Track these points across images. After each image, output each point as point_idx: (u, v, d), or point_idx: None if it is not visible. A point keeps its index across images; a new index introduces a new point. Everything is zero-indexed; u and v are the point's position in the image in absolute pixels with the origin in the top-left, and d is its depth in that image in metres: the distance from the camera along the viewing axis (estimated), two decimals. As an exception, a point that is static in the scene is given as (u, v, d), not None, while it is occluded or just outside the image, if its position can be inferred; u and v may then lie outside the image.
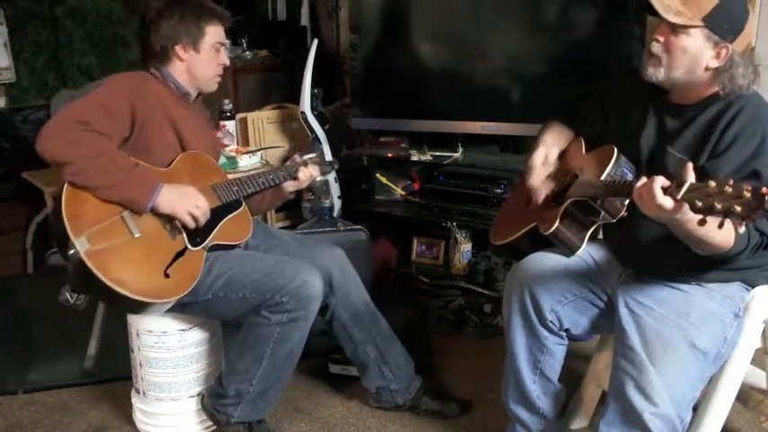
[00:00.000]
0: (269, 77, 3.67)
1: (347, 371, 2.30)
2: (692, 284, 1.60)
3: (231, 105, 3.07)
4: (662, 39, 1.53)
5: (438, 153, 3.14)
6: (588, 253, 1.79)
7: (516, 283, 1.79)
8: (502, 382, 1.89)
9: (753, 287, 1.64)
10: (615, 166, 1.58)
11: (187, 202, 1.80)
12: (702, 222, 1.19)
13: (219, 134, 2.91)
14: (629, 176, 1.58)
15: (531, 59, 2.96)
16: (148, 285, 1.71)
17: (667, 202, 1.26)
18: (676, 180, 1.25)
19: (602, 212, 1.57)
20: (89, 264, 1.63)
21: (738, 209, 1.12)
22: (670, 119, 1.62)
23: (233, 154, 2.79)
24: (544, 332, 1.77)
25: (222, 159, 2.66)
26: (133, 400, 2.11)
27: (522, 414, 1.86)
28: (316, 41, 3.11)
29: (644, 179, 1.32)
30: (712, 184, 1.17)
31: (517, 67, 2.99)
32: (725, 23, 1.48)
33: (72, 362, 2.44)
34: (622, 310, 1.61)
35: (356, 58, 3.22)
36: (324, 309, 2.04)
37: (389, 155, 3.18)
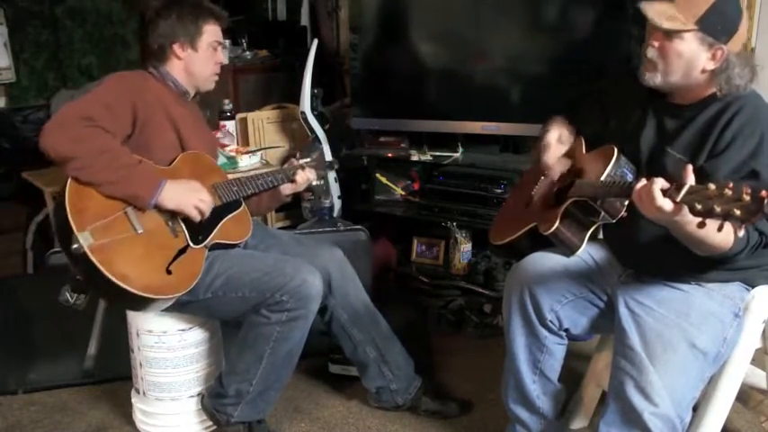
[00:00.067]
0: (269, 77, 3.67)
1: (347, 371, 2.30)
2: (691, 284, 1.61)
3: (231, 105, 3.07)
4: (657, 44, 1.54)
5: (438, 153, 3.14)
6: (588, 253, 1.79)
7: (516, 283, 1.79)
8: (502, 382, 1.89)
9: (753, 287, 1.64)
10: (615, 167, 1.58)
11: (192, 196, 1.80)
12: (702, 225, 1.19)
13: (219, 134, 2.92)
14: (630, 177, 1.59)
15: (531, 59, 2.96)
16: (151, 281, 1.71)
17: (667, 204, 1.26)
18: (676, 182, 1.25)
19: (602, 213, 1.57)
20: (93, 258, 1.63)
21: (738, 212, 1.12)
22: (669, 119, 1.63)
23: (233, 154, 2.79)
24: (544, 332, 1.77)
25: (222, 159, 2.66)
26: (133, 400, 2.11)
27: (522, 414, 1.86)
28: (316, 41, 3.11)
29: (643, 181, 1.32)
30: (712, 186, 1.17)
31: (517, 67, 2.99)
32: (718, 25, 1.48)
33: (72, 362, 2.44)
34: (622, 310, 1.61)
35: (356, 58, 3.22)
36: (323, 309, 2.04)
37: (389, 155, 3.18)
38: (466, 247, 2.99)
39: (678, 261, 1.54)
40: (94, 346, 2.43)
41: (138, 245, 1.73)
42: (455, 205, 3.00)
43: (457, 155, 3.13)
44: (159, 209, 1.78)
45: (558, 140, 1.78)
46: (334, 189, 3.08)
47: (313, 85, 3.03)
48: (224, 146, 2.84)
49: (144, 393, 2.05)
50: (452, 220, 2.98)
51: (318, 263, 1.99)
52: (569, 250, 1.68)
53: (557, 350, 1.80)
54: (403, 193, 3.24)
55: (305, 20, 4.03)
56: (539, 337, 1.77)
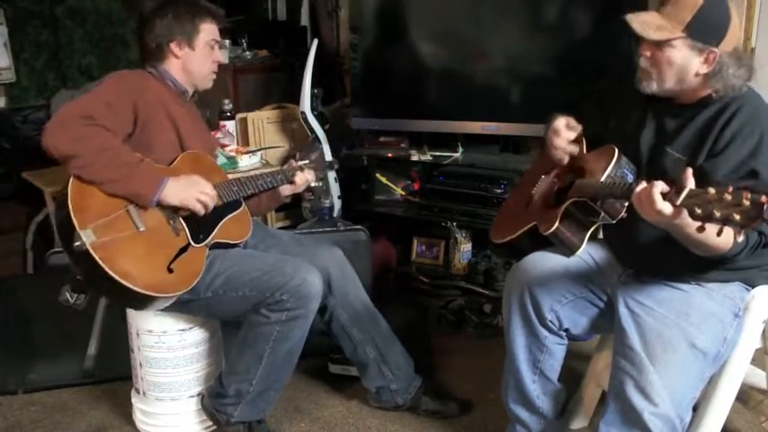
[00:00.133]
0: (269, 77, 3.67)
1: (347, 371, 2.30)
2: (691, 284, 1.61)
3: (231, 105, 3.07)
4: (648, 54, 1.55)
5: (438, 153, 3.14)
6: (588, 253, 1.79)
7: (516, 283, 1.79)
8: (502, 382, 1.89)
9: (753, 287, 1.64)
10: (616, 167, 1.58)
11: (195, 190, 1.81)
12: (701, 229, 1.19)
13: (219, 134, 2.92)
14: (630, 177, 1.59)
15: (531, 59, 2.96)
16: (153, 279, 1.71)
17: (666, 207, 1.26)
18: (676, 186, 1.25)
19: (602, 213, 1.57)
20: (95, 255, 1.63)
21: (737, 217, 1.12)
22: (669, 119, 1.63)
23: (233, 154, 2.79)
24: (544, 332, 1.77)
25: (222, 159, 2.66)
26: (133, 400, 2.11)
27: (522, 414, 1.86)
28: (316, 41, 3.11)
29: (643, 184, 1.32)
30: (711, 190, 1.17)
31: (517, 67, 2.99)
32: (707, 30, 1.49)
33: (72, 362, 2.44)
34: (622, 310, 1.61)
35: (356, 58, 3.22)
36: (322, 309, 2.04)
37: (389, 155, 3.18)
38: (466, 247, 2.99)
39: (678, 261, 1.54)
40: (94, 346, 2.43)
41: (140, 243, 1.73)
42: (455, 205, 3.00)
43: (457, 155, 3.13)
44: (161, 207, 1.78)
45: (566, 126, 1.77)
46: (334, 189, 3.08)
47: (313, 85, 3.03)
48: (224, 146, 2.84)
49: (144, 393, 2.05)
50: (452, 220, 2.98)
51: (318, 262, 1.99)
52: (569, 250, 1.68)
53: (557, 350, 1.80)
54: (403, 193, 3.24)
55: (305, 20, 4.03)
56: (539, 337, 1.77)
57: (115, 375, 2.36)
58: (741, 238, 1.20)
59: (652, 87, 1.58)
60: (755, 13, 2.51)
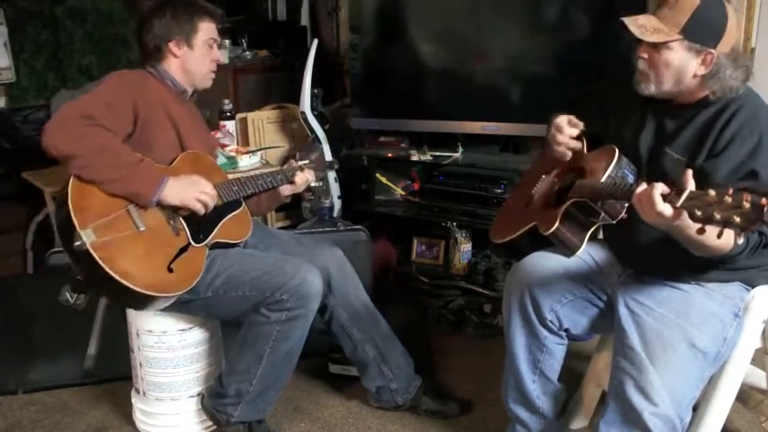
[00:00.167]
0: (269, 77, 3.67)
1: (347, 371, 2.30)
2: (691, 284, 1.61)
3: (231, 105, 3.07)
4: (646, 56, 1.56)
5: (438, 153, 3.14)
6: (588, 253, 1.79)
7: (516, 283, 1.79)
8: (502, 382, 1.89)
9: (753, 287, 1.64)
10: (616, 168, 1.58)
11: (194, 190, 1.81)
12: (701, 231, 1.20)
13: (219, 134, 2.92)
14: (630, 178, 1.59)
15: (531, 59, 2.96)
16: (153, 279, 1.71)
17: (667, 209, 1.26)
18: (676, 187, 1.25)
19: (602, 214, 1.57)
20: (95, 255, 1.64)
21: (737, 219, 1.12)
22: (668, 120, 1.63)
23: (233, 154, 2.79)
24: (544, 332, 1.77)
25: (222, 159, 2.66)
26: (133, 400, 2.11)
27: (522, 414, 1.86)
28: (316, 41, 3.11)
29: (644, 185, 1.32)
30: (712, 193, 1.17)
31: (517, 67, 2.99)
32: (704, 31, 1.49)
33: (72, 362, 2.44)
34: (622, 310, 1.61)
35: (356, 58, 3.22)
36: (323, 308, 2.04)
37: (389, 155, 3.18)
38: (466, 247, 2.99)
39: (678, 261, 1.54)
40: (94, 346, 2.43)
41: (140, 243, 1.73)
42: (455, 205, 3.00)
43: (457, 155, 3.13)
44: (161, 206, 1.78)
45: (569, 123, 1.77)
46: (334, 189, 3.08)
47: (313, 85, 3.03)
48: (224, 146, 2.84)
49: (144, 393, 2.05)
50: (452, 220, 2.98)
51: (318, 262, 1.99)
52: (569, 250, 1.68)
53: (557, 350, 1.80)
54: (403, 193, 3.24)
55: (305, 20, 4.03)
56: (539, 337, 1.77)
57: (115, 375, 2.36)
58: (741, 240, 1.20)
59: (650, 89, 1.58)
60: (755, 13, 2.51)
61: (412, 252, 3.19)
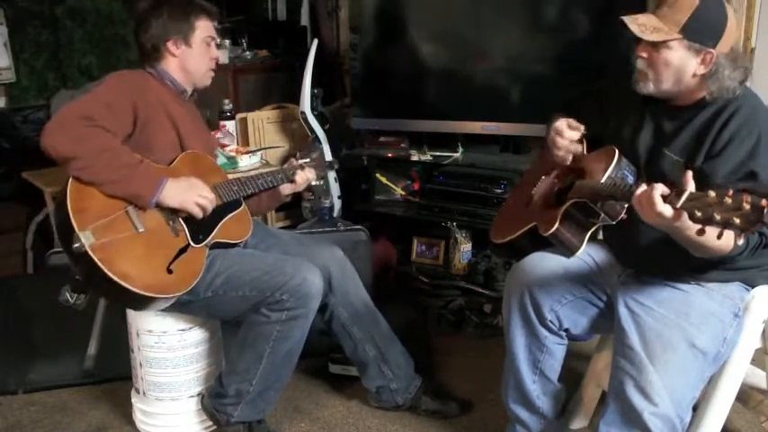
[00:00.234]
0: (269, 77, 3.67)
1: (347, 371, 2.30)
2: (691, 284, 1.61)
3: (231, 105, 3.07)
4: (645, 55, 1.56)
5: (438, 153, 3.14)
6: (588, 253, 1.79)
7: (516, 284, 1.79)
8: (502, 382, 1.89)
9: (753, 287, 1.64)
10: (616, 168, 1.58)
11: (194, 193, 1.81)
12: (701, 232, 1.20)
13: (219, 134, 2.92)
14: (630, 179, 1.59)
15: (531, 59, 2.97)
16: (152, 280, 1.71)
17: (667, 210, 1.26)
18: (676, 188, 1.25)
19: (602, 214, 1.57)
20: (94, 257, 1.63)
21: (737, 221, 1.12)
22: (667, 121, 1.63)
23: (233, 154, 2.79)
24: (544, 332, 1.77)
25: (222, 159, 2.66)
26: (133, 400, 2.11)
27: (522, 414, 1.86)
28: (316, 41, 3.11)
29: (644, 186, 1.32)
30: (712, 194, 1.17)
31: (517, 67, 2.99)
32: (703, 31, 1.49)
33: (72, 362, 2.44)
34: (622, 310, 1.61)
35: (356, 58, 3.22)
36: (323, 308, 2.04)
37: (389, 155, 3.18)
38: (466, 247, 2.99)
39: (678, 261, 1.54)
40: (94, 346, 2.43)
41: (139, 244, 1.73)
42: (455, 205, 3.00)
43: (457, 155, 3.13)
44: (160, 208, 1.78)
45: (568, 126, 1.77)
46: (334, 189, 3.08)
47: (313, 85, 3.03)
48: (224, 146, 2.84)
49: (144, 393, 2.05)
50: (452, 220, 2.99)
51: (319, 261, 1.99)
52: (569, 251, 1.68)
53: (557, 350, 1.80)
54: (403, 193, 3.24)
55: (305, 20, 4.03)
56: (539, 337, 1.77)
57: (115, 375, 2.36)
58: (741, 242, 1.20)
59: (649, 88, 1.58)
60: (755, 13, 2.51)
61: (412, 252, 3.19)
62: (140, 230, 1.74)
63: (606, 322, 1.74)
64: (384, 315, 2.15)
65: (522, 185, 2.03)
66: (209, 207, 1.84)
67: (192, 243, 1.83)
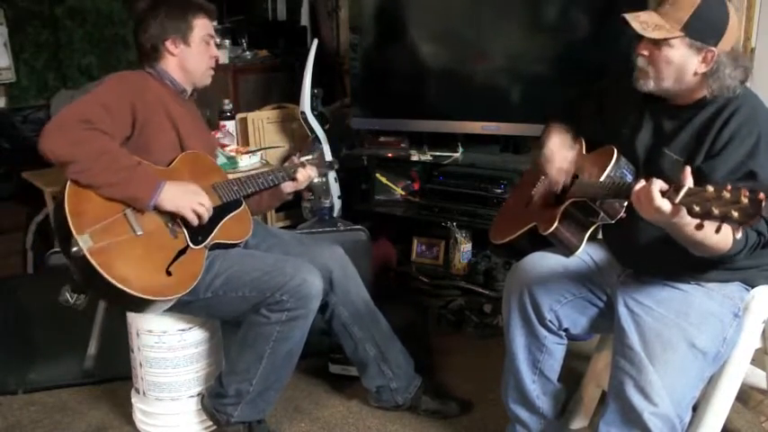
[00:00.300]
0: (269, 77, 3.67)
1: (347, 371, 2.30)
2: (691, 284, 1.61)
3: (231, 105, 3.07)
4: (646, 53, 1.56)
5: (438, 153, 3.14)
6: (587, 253, 1.79)
7: (516, 283, 1.79)
8: (502, 382, 1.89)
9: (752, 287, 1.64)
10: (615, 168, 1.59)
11: (191, 199, 1.80)
12: (700, 227, 1.20)
13: (219, 134, 2.92)
14: (629, 178, 1.59)
15: (531, 59, 2.97)
16: (151, 283, 1.71)
17: (665, 205, 1.26)
18: (674, 184, 1.26)
19: (602, 213, 1.57)
20: (92, 261, 1.63)
21: (736, 214, 1.12)
22: (666, 120, 1.63)
23: (233, 154, 2.79)
24: (543, 332, 1.77)
25: (222, 159, 2.66)
26: (133, 400, 2.11)
27: (522, 414, 1.86)
28: (316, 41, 3.11)
29: (642, 182, 1.32)
30: (710, 188, 1.17)
31: (517, 67, 2.99)
32: (705, 29, 1.49)
33: (72, 362, 2.44)
34: (621, 310, 1.61)
35: (356, 58, 3.22)
36: (324, 307, 2.04)
37: (389, 155, 3.18)
38: (466, 247, 2.99)
39: (678, 261, 1.54)
40: (94, 346, 2.43)
41: (138, 246, 1.73)
42: (455, 205, 3.00)
43: (457, 155, 3.13)
44: (158, 210, 1.78)
45: (560, 146, 1.77)
46: (334, 189, 3.08)
47: (313, 85, 3.03)
48: (224, 146, 2.84)
49: (144, 393, 2.05)
50: (452, 220, 2.99)
51: (320, 261, 1.99)
52: (568, 250, 1.68)
53: (556, 350, 1.80)
54: (403, 193, 3.24)
55: (305, 20, 4.03)
56: (538, 337, 1.77)
57: (115, 375, 2.36)
58: (739, 235, 1.19)
59: (649, 86, 1.58)
60: (755, 13, 2.51)
61: (412, 252, 3.19)
62: (139, 233, 1.73)
63: (606, 322, 1.74)
64: (384, 315, 2.15)
65: (522, 185, 2.04)
66: (206, 216, 1.83)
67: (190, 245, 1.82)
